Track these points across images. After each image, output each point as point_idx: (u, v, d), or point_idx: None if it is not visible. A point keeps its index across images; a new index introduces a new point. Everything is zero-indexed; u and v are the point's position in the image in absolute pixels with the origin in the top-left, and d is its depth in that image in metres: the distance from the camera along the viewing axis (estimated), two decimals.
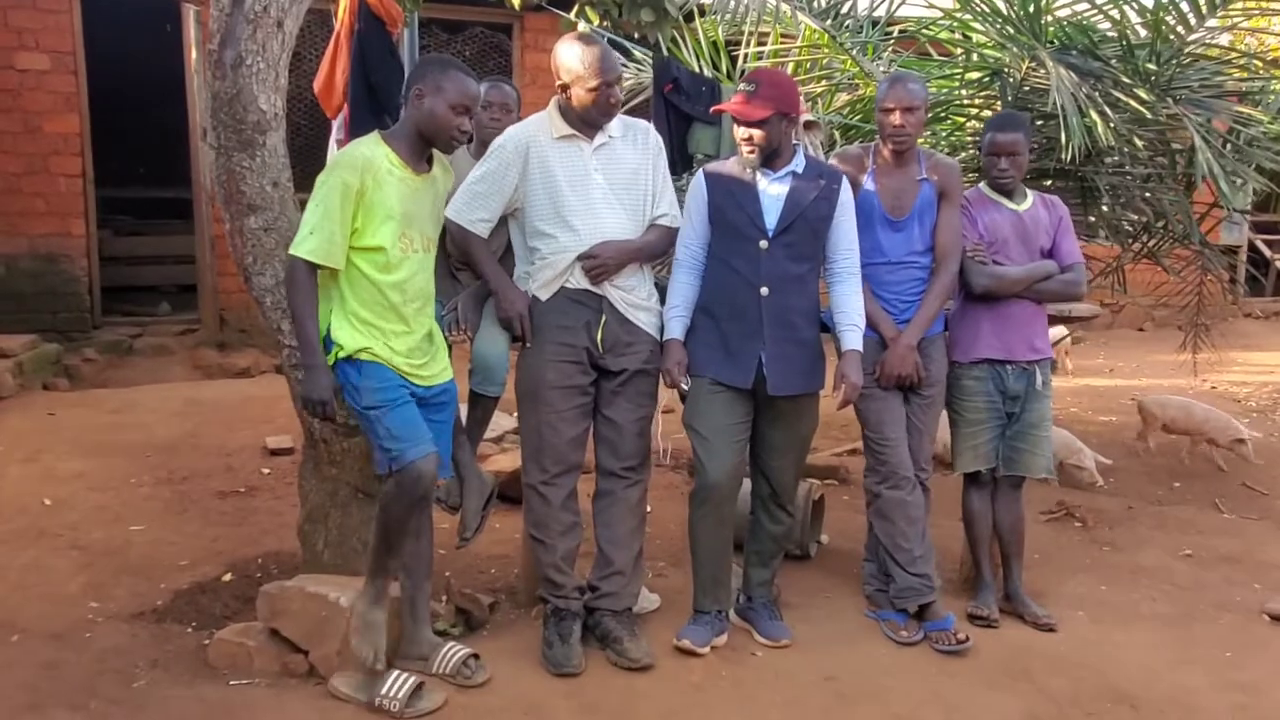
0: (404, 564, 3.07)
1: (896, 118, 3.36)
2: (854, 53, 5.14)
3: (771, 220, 3.21)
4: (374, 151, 2.90)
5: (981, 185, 3.68)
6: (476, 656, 3.06)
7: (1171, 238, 5.39)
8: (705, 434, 3.23)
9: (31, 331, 7.23)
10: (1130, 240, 5.38)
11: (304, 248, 2.82)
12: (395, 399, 2.89)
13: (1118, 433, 6.59)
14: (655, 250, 3.31)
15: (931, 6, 4.97)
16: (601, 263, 3.13)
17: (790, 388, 3.23)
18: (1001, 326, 3.55)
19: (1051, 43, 4.40)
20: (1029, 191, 3.67)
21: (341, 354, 2.89)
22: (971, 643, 3.35)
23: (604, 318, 3.18)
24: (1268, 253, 11.23)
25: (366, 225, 2.84)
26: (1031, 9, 4.28)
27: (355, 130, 3.76)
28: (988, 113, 5.00)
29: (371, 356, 2.88)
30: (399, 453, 2.85)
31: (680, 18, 4.27)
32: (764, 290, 3.18)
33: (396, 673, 2.93)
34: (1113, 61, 4.30)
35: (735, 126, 3.21)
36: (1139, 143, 4.43)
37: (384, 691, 2.87)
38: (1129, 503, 5.11)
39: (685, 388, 3.25)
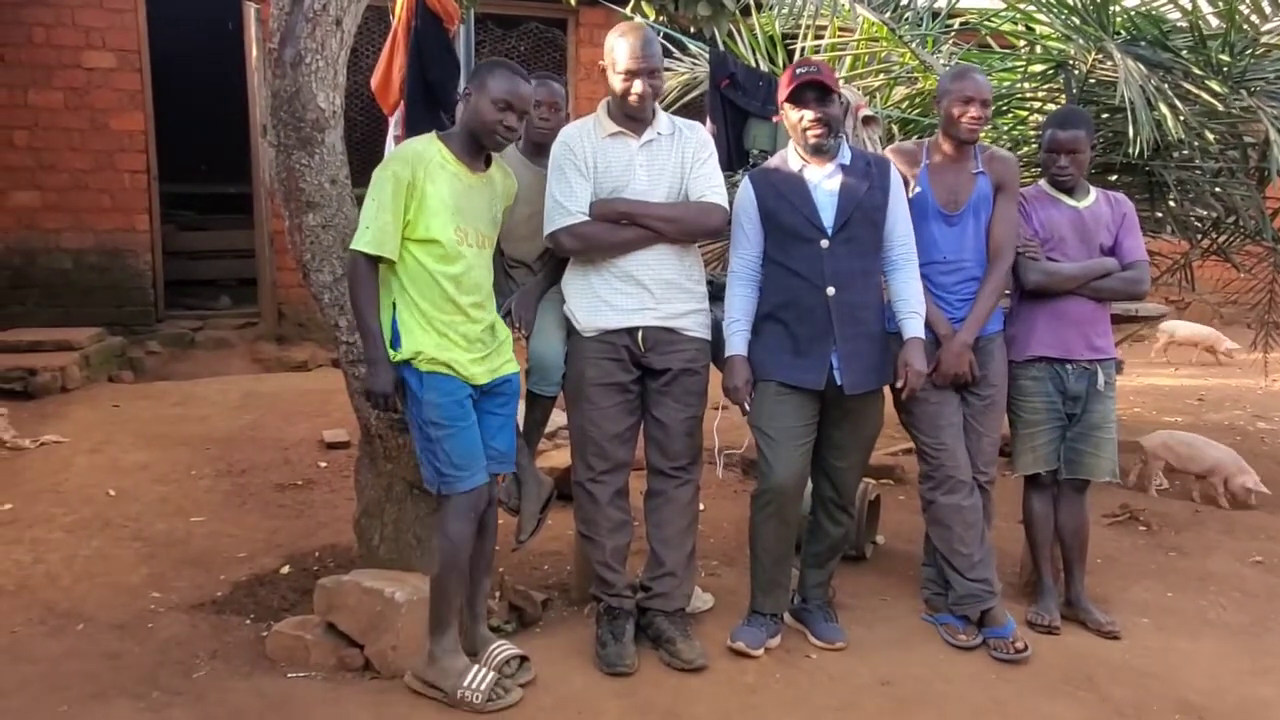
0: (470, 562, 3.05)
1: (975, 109, 3.29)
2: (913, 45, 5.05)
3: (829, 218, 3.16)
4: (427, 147, 2.94)
5: (1041, 182, 3.59)
6: (525, 659, 3.05)
7: (1243, 234, 5.24)
8: (773, 435, 3.18)
9: (97, 325, 7.40)
10: (1199, 236, 5.24)
11: (361, 241, 2.86)
12: (457, 421, 2.90)
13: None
14: (686, 222, 3.16)
15: None
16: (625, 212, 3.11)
17: (866, 384, 3.18)
18: (1058, 324, 3.47)
19: (1119, 34, 4.29)
20: (1092, 188, 3.58)
21: (401, 356, 2.90)
22: (1030, 652, 3.27)
23: (640, 331, 3.16)
24: None
25: (419, 217, 2.87)
26: None
27: (412, 127, 3.78)
28: (1051, 106, 4.90)
29: (432, 366, 2.89)
30: (453, 480, 2.90)
31: (737, 12, 4.22)
32: (830, 290, 3.13)
33: (477, 667, 2.94)
34: (1183, 53, 4.18)
35: (796, 112, 3.14)
36: (1210, 136, 4.29)
37: (466, 683, 2.88)
38: (1195, 506, 4.97)
39: (749, 408, 3.21)
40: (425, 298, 2.90)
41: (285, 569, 3.85)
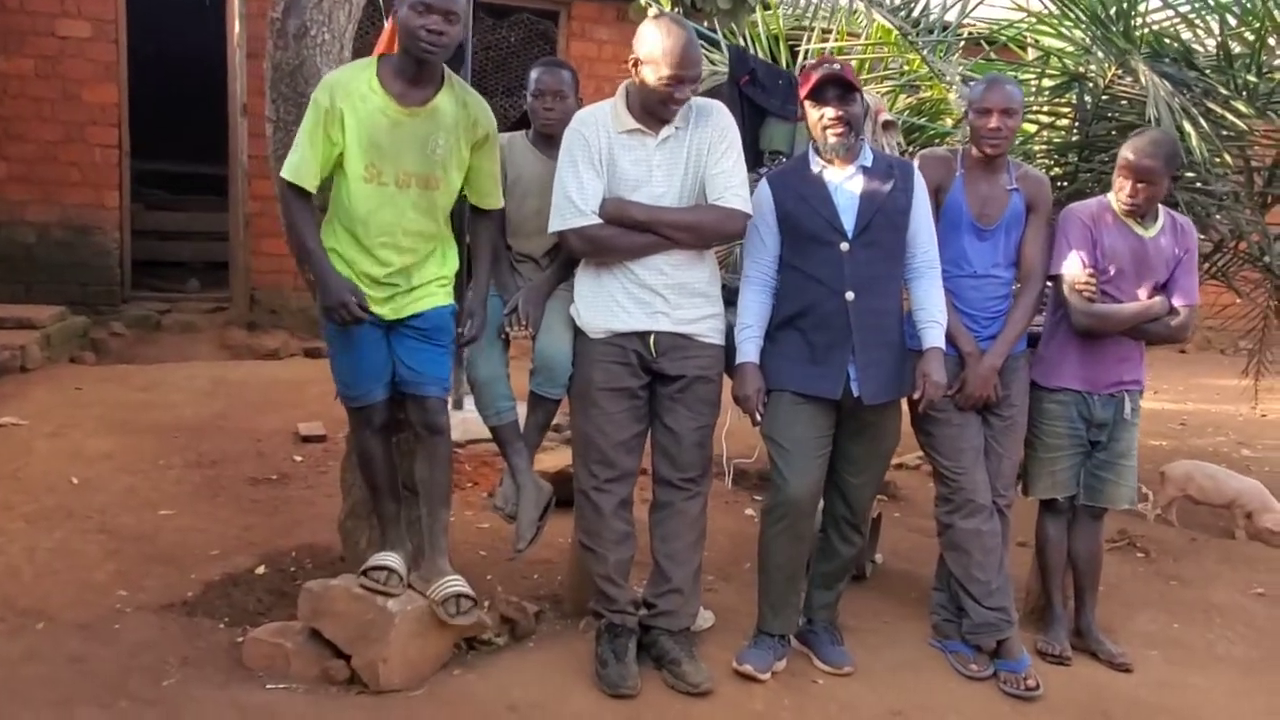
0: (423, 493, 3.02)
1: (994, 120, 3.16)
2: (925, 53, 4.95)
3: (849, 220, 3.03)
4: (357, 74, 2.77)
5: (1109, 197, 3.34)
6: (471, 600, 2.94)
7: (1242, 258, 5.19)
8: (787, 446, 3.05)
9: (60, 303, 7.12)
10: (1202, 260, 5.18)
11: (285, 168, 2.80)
12: (338, 341, 2.89)
13: (1169, 458, 6.37)
14: (705, 230, 2.98)
15: (1018, 7, 4.77)
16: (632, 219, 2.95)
17: (885, 394, 3.05)
18: (1091, 359, 3.33)
19: (1141, 50, 4.20)
20: (1161, 211, 3.36)
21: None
22: (1042, 691, 3.15)
23: (652, 335, 3.00)
24: None
25: (346, 147, 2.75)
26: (1125, 5, 4.07)
27: None
28: (1063, 122, 4.82)
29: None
30: (354, 395, 2.95)
31: (757, 6, 4.08)
32: (850, 295, 3.00)
33: (387, 557, 2.99)
34: (1207, 72, 4.10)
35: (817, 109, 3.01)
36: (1228, 158, 4.22)
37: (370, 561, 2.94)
38: (1192, 534, 4.90)
39: (759, 419, 3.07)
40: (343, 225, 2.84)
41: (261, 569, 3.64)
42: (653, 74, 2.87)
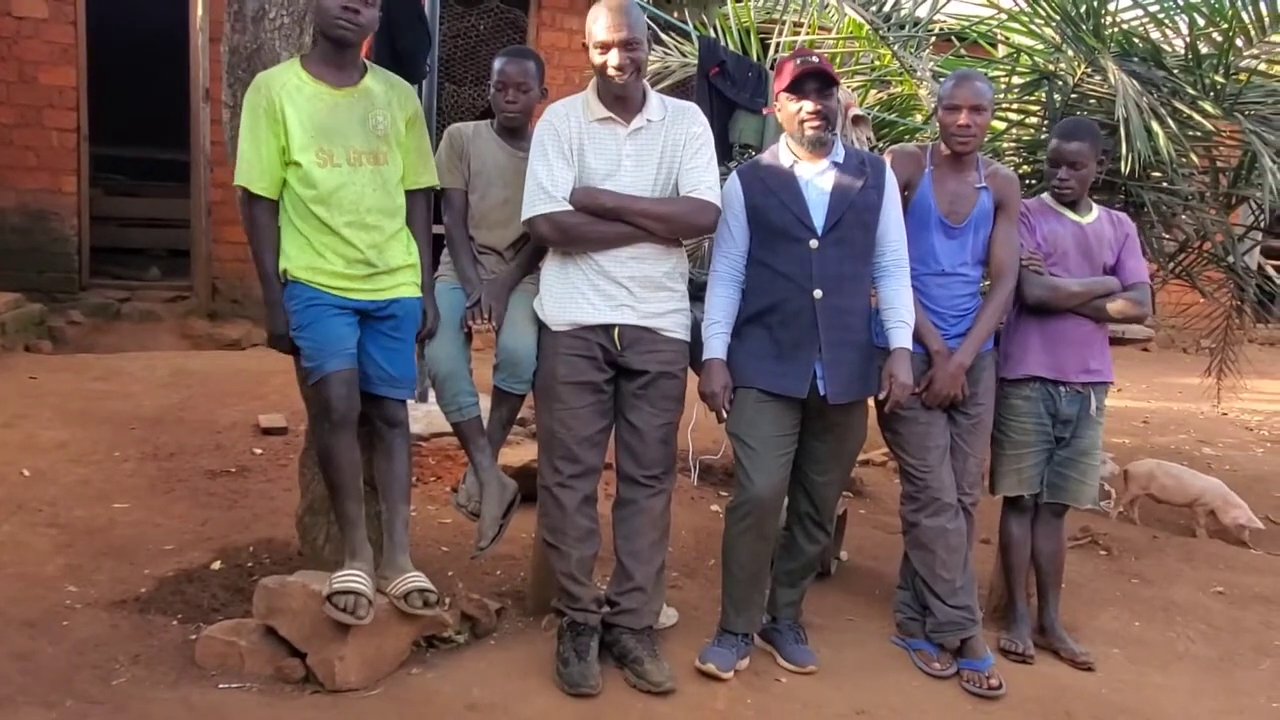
0: (382, 488, 3.01)
1: (963, 117, 3.14)
2: (896, 48, 4.93)
3: (819, 217, 3.00)
4: (284, 72, 2.81)
5: (1045, 195, 3.47)
6: (432, 594, 2.91)
7: (1207, 257, 5.22)
8: (753, 445, 3.01)
9: (15, 290, 6.94)
10: (1167, 259, 5.20)
11: (235, 175, 2.82)
12: (318, 315, 2.83)
13: (1131, 455, 6.42)
14: (677, 221, 2.96)
15: (990, 4, 4.75)
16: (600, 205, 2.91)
17: (850, 394, 3.02)
18: (1054, 344, 3.35)
19: (1110, 49, 4.20)
20: (1095, 205, 3.47)
21: (287, 275, 2.85)
22: (1005, 690, 3.14)
23: (616, 328, 2.96)
24: (1278, 278, 11.11)
25: (290, 142, 2.78)
26: (1095, 3, 4.07)
27: None
28: (1032, 120, 4.82)
29: (295, 276, 2.83)
30: (317, 366, 2.81)
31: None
32: (817, 293, 2.97)
33: (354, 572, 2.85)
34: (1175, 72, 4.10)
35: (796, 103, 2.97)
36: (1195, 158, 4.24)
37: (335, 576, 2.82)
38: (1153, 532, 4.93)
39: (726, 415, 3.04)
40: (300, 217, 2.82)
41: (216, 565, 3.56)
42: (591, 49, 2.88)
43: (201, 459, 4.70)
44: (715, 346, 3.07)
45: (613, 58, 2.84)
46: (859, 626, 3.56)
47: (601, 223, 2.92)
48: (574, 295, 2.97)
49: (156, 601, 3.28)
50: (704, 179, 2.95)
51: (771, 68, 5.04)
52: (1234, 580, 4.35)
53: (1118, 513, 5.07)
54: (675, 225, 2.97)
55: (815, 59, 2.99)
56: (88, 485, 4.25)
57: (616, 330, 2.97)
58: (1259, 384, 9.12)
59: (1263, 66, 4.52)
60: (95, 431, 4.89)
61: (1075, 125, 3.43)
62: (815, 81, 2.97)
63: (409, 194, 3.00)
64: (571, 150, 2.92)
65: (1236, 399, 8.27)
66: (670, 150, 2.95)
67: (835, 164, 3.04)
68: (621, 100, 2.93)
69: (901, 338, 3.07)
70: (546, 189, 2.90)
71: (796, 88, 2.97)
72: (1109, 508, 5.09)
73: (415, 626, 2.98)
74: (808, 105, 2.96)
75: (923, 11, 5.06)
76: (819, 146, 3.01)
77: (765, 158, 3.15)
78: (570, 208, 2.90)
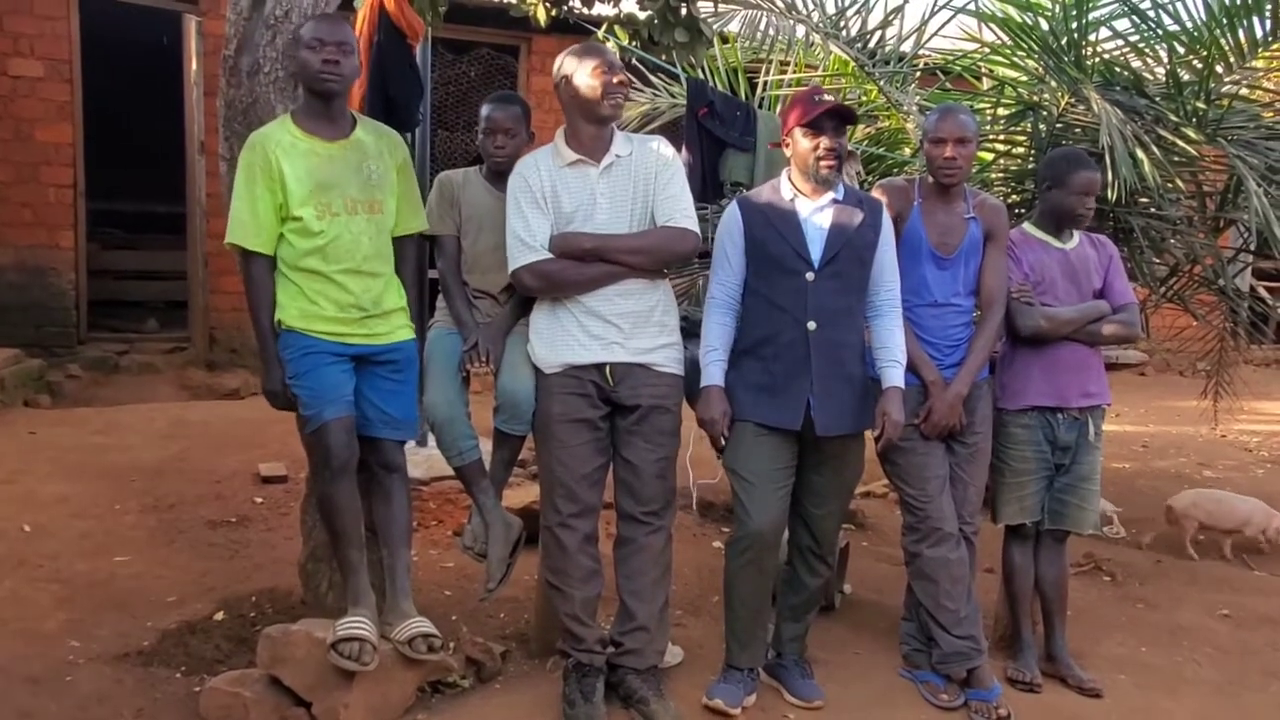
0: (382, 533, 3.01)
1: (948, 150, 3.18)
2: (882, 83, 4.99)
3: (816, 251, 3.03)
4: (277, 129, 2.87)
5: (1025, 225, 3.50)
6: (437, 639, 2.91)
7: (1198, 281, 5.26)
8: (750, 479, 3.03)
9: (14, 346, 6.96)
10: (1158, 284, 5.24)
11: (227, 234, 2.86)
12: (314, 363, 2.85)
13: (1132, 480, 6.44)
14: (656, 252, 2.99)
15: (971, 39, 4.82)
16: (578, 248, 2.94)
17: (840, 427, 3.04)
18: (1053, 371, 3.37)
19: (1093, 79, 4.26)
20: (1075, 230, 3.50)
21: (281, 325, 2.88)
22: (1013, 719, 3.13)
23: (608, 366, 2.98)
24: (1270, 300, 11.17)
25: (288, 198, 2.82)
26: (1076, 35, 4.13)
27: None
28: (1019, 150, 4.87)
29: (289, 324, 2.86)
30: (315, 414, 2.82)
31: (713, 40, 4.10)
32: (811, 325, 3.00)
33: (357, 620, 2.85)
34: (1158, 99, 4.16)
35: (812, 139, 2.99)
36: (1180, 183, 4.28)
37: (339, 624, 2.82)
38: (1157, 556, 4.93)
39: (724, 442, 3.05)
40: (294, 268, 2.86)
41: (219, 615, 3.55)
42: (583, 74, 2.91)
43: (202, 509, 4.70)
44: (713, 374, 3.09)
45: (613, 76, 2.91)
46: (865, 660, 3.55)
47: (584, 265, 2.95)
48: (564, 336, 3.00)
49: (159, 654, 3.28)
50: (678, 206, 2.99)
51: (761, 106, 5.13)
52: (1239, 602, 4.34)
53: (1114, 536, 5.06)
54: (656, 256, 3.01)
55: (829, 97, 3.03)
56: (88, 539, 4.24)
57: (608, 368, 2.99)
58: (1256, 405, 9.15)
59: (1244, 92, 4.58)
60: (95, 485, 4.89)
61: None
62: (834, 119, 3.01)
63: (400, 239, 3.03)
64: (544, 198, 2.96)
65: (1234, 421, 8.31)
66: (643, 181, 2.99)
67: (835, 201, 3.07)
68: (601, 121, 2.96)
69: (894, 377, 3.10)
70: (525, 240, 2.94)
71: (818, 125, 3.00)
72: (1112, 533, 5.09)
73: (420, 672, 2.97)
74: (825, 142, 2.99)
75: (907, 47, 5.14)
76: (827, 184, 3.04)
77: (765, 192, 3.18)
78: (550, 255, 2.93)
